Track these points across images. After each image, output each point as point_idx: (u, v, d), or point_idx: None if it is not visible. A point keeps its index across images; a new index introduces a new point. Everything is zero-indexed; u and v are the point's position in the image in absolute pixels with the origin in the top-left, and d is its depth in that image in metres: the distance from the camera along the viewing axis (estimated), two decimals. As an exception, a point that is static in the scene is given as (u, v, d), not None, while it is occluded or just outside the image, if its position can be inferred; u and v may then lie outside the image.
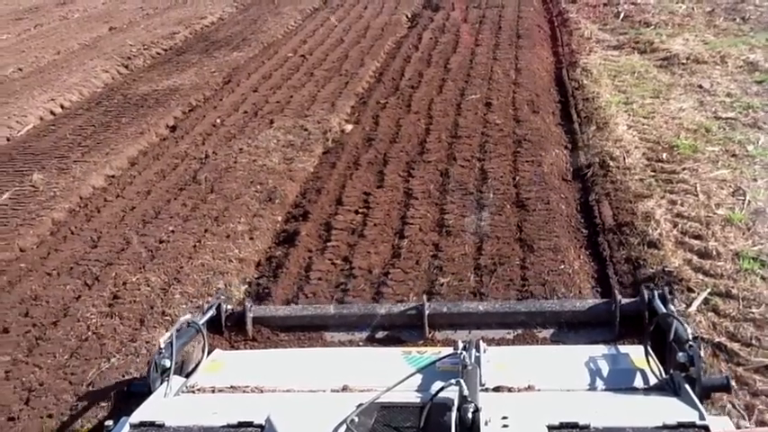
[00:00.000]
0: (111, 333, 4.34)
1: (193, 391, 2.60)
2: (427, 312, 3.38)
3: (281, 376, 2.64)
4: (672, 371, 2.44)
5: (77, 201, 6.33)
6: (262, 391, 2.57)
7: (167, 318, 4.44)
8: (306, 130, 7.34)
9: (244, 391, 2.58)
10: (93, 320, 4.49)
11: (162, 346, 2.62)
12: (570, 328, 3.41)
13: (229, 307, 3.54)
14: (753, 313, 4.01)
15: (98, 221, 5.86)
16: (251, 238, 5.34)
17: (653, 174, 5.76)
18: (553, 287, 4.33)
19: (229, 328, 3.49)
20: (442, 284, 4.48)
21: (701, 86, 7.81)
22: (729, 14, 10.82)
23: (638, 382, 2.50)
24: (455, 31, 10.82)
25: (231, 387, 2.60)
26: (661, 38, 9.70)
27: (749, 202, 5.18)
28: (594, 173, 5.95)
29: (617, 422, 2.13)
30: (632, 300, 3.30)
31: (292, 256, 5.01)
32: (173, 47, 11.96)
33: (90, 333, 4.38)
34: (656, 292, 3.19)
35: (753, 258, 4.48)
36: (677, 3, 11.74)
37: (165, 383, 2.52)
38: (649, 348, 2.55)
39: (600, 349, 2.74)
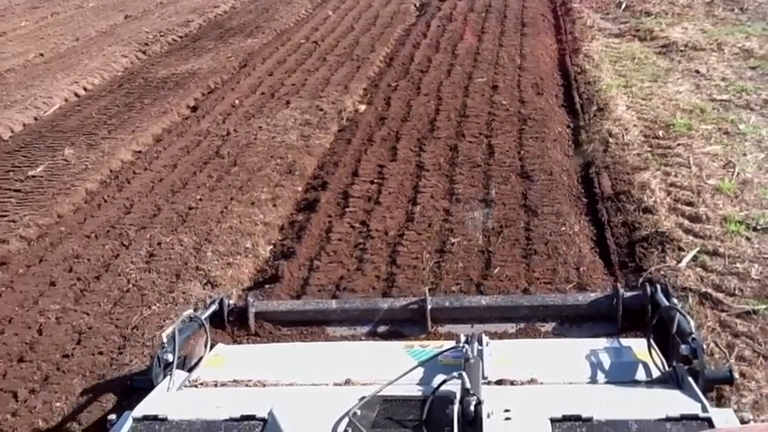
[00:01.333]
0: (150, 285, 4.76)
1: (196, 386, 2.59)
2: (429, 307, 3.34)
3: (283, 370, 2.64)
4: (675, 363, 2.43)
5: (108, 173, 6.73)
6: (264, 385, 2.57)
7: (201, 272, 4.85)
8: (321, 109, 7.74)
9: (246, 385, 2.58)
10: (133, 275, 4.90)
11: (164, 340, 2.63)
12: (573, 321, 3.40)
13: (232, 302, 3.52)
14: (737, 268, 4.41)
15: (129, 191, 6.27)
16: (274, 205, 5.74)
17: (649, 149, 6.15)
18: (555, 246, 4.73)
19: (232, 323, 3.47)
20: (452, 244, 4.88)
21: (697, 71, 8.18)
22: (728, 5, 11.15)
23: (641, 374, 2.49)
24: (462, 20, 11.18)
25: (234, 381, 2.59)
26: (661, 26, 10.05)
27: (738, 173, 5.57)
28: (595, 148, 6.34)
29: (620, 415, 2.14)
30: (635, 293, 3.30)
31: (313, 220, 5.42)
32: (188, 34, 12.33)
33: (131, 285, 4.79)
34: (658, 285, 3.17)
35: (739, 222, 4.87)
36: (678, -7, 12.10)
37: (168, 378, 2.52)
38: (652, 341, 2.53)
39: (602, 342, 2.72)
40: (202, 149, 7.02)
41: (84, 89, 9.58)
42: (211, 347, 2.85)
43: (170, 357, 2.57)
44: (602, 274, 4.53)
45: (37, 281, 4.96)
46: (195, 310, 3.28)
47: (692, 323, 2.57)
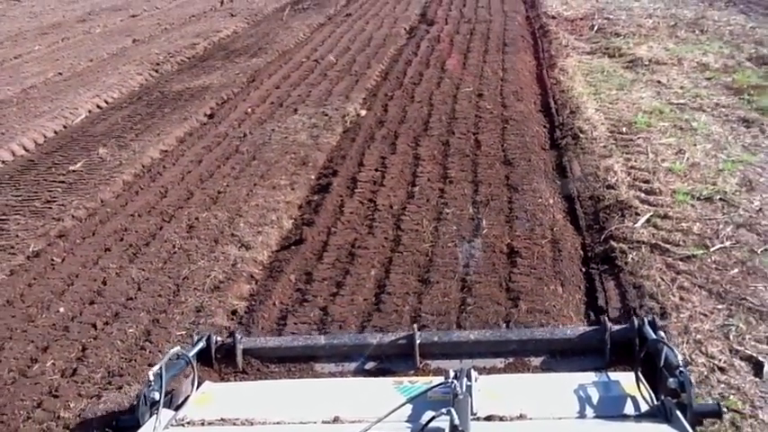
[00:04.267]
0: (193, 248, 5.63)
1: (183, 425, 2.56)
2: (418, 342, 3.32)
3: (271, 408, 2.63)
4: (663, 397, 2.43)
5: (140, 167, 7.62)
6: (252, 424, 2.54)
7: (236, 238, 5.73)
8: (326, 115, 8.69)
9: (234, 424, 2.55)
10: (177, 242, 5.77)
11: (151, 378, 2.58)
12: (561, 355, 3.42)
13: (219, 339, 3.46)
14: (682, 227, 5.36)
15: (162, 181, 7.15)
16: (292, 189, 6.65)
17: (614, 141, 7.14)
18: (533, 213, 5.67)
19: (219, 360, 3.42)
20: (447, 213, 5.81)
21: (659, 82, 9.24)
22: (690, 27, 12.32)
23: (630, 408, 2.48)
24: (449, 41, 12.25)
25: (221, 419, 2.57)
26: (629, 45, 11.15)
27: (688, 158, 6.56)
28: (567, 142, 7.32)
29: None
30: (622, 326, 3.34)
31: (328, 199, 6.33)
32: (195, 55, 13.30)
33: (176, 249, 5.66)
34: (645, 319, 3.18)
35: (686, 193, 5.85)
36: (645, 18, 13.27)
37: (155, 417, 2.48)
38: (640, 375, 2.54)
39: (591, 377, 2.72)
40: (223, 148, 7.93)
41: (106, 102, 10.48)
42: (198, 385, 2.83)
43: (156, 395, 2.54)
44: (572, 232, 5.48)
45: (94, 248, 5.81)
46: (183, 346, 3.28)
47: (680, 356, 2.57)
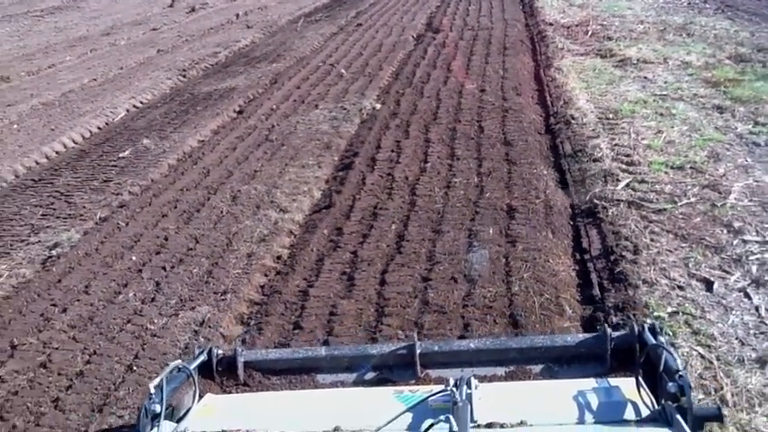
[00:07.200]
0: (239, 212, 6.58)
1: None
2: (418, 351, 3.31)
3: (272, 419, 2.66)
4: (663, 401, 2.44)
5: (182, 154, 8.60)
6: None
7: (274, 204, 6.68)
8: (345, 109, 9.67)
9: None
10: (224, 208, 6.73)
11: (152, 391, 2.59)
12: (562, 362, 3.40)
13: (220, 351, 3.44)
14: (656, 188, 6.30)
15: (203, 164, 8.12)
16: (319, 167, 7.61)
17: (601, 126, 8.09)
18: (529, 180, 6.61)
19: (221, 373, 3.41)
20: (455, 183, 6.75)
21: (645, 77, 10.20)
22: (678, 31, 13.29)
23: (630, 414, 2.50)
24: (454, 46, 13.26)
25: (223, 431, 2.61)
26: (620, 47, 12.12)
27: (665, 137, 7.51)
28: (560, 127, 8.28)
29: None
30: (622, 333, 3.31)
31: (351, 174, 7.28)
32: (218, 62, 14.34)
33: (224, 213, 6.61)
34: (645, 325, 3.16)
35: (661, 163, 6.79)
36: (637, 24, 14.26)
37: (156, 429, 2.51)
38: (641, 380, 2.55)
39: (591, 383, 2.72)
40: (254, 137, 8.91)
41: (141, 102, 11.50)
42: (200, 398, 2.86)
43: (158, 408, 2.54)
44: (562, 195, 6.42)
45: (152, 214, 6.77)
46: (184, 359, 3.28)
47: (679, 360, 2.60)
